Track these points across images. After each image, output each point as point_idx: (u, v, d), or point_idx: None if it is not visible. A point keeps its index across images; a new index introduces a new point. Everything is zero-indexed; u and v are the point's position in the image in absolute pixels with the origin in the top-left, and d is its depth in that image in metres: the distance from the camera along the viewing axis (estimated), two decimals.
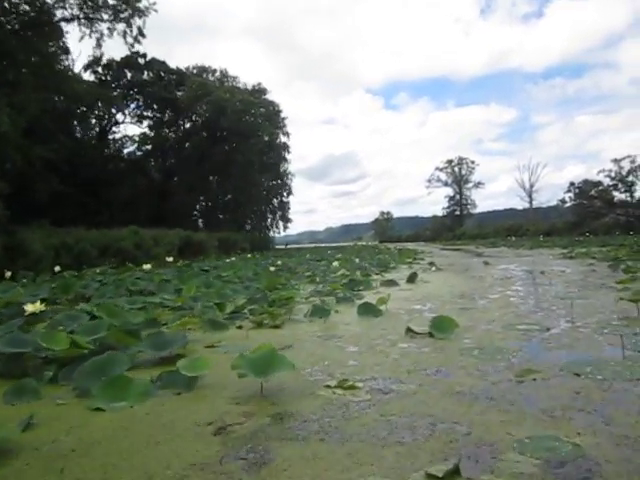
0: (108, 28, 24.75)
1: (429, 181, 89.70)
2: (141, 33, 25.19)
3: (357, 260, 14.38)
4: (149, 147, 40.94)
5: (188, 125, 41.29)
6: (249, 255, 23.80)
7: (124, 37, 24.85)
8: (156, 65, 36.34)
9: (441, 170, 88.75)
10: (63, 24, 23.93)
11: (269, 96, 44.57)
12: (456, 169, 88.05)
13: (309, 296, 7.17)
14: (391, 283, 9.05)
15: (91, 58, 31.16)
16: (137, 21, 24.92)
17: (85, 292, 7.34)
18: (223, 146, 38.25)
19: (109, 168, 37.82)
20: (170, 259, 11.59)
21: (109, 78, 35.35)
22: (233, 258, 17.86)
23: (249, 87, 44.00)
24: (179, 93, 38.14)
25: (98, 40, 24.80)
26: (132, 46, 25.53)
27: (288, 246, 79.42)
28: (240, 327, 5.17)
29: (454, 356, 3.54)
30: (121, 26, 24.70)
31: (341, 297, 6.90)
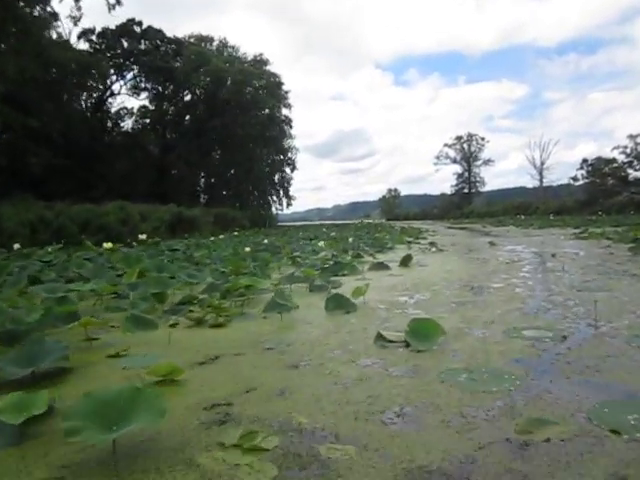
0: None
1: (437, 158, 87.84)
2: None
3: (351, 240, 13.28)
4: (147, 120, 39.67)
5: (188, 97, 39.87)
6: (244, 232, 22.74)
7: None
8: (152, 34, 34.80)
9: (450, 147, 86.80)
10: None
11: (271, 68, 43.04)
12: (465, 146, 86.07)
13: (278, 283, 6.10)
14: (381, 267, 7.97)
15: (73, 21, 29.59)
16: None
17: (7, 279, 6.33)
18: (222, 119, 36.88)
19: (106, 141, 36.74)
20: (143, 236, 10.58)
21: (104, 47, 33.92)
22: (222, 236, 16.85)
23: (250, 57, 42.41)
24: (177, 64, 36.64)
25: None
26: (113, 7, 24.14)
27: (293, 223, 78.51)
28: (174, 325, 4.13)
29: (430, 385, 2.47)
30: None
31: (316, 285, 5.84)
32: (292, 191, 49.20)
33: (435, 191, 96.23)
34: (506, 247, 12.17)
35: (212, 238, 15.08)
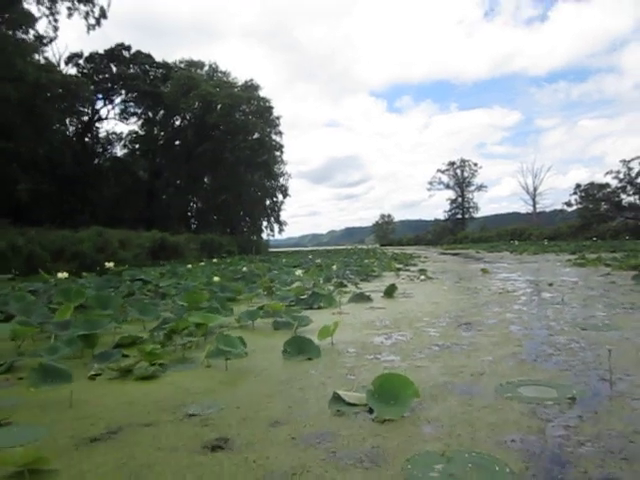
0: (68, 8, 23.14)
1: (431, 183, 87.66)
2: (104, 15, 23.55)
3: (335, 267, 12.55)
4: (137, 145, 39.17)
5: (177, 122, 39.41)
6: (229, 259, 21.95)
7: (86, 18, 23.17)
8: (141, 58, 34.51)
9: (443, 172, 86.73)
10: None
11: (262, 93, 42.77)
12: (458, 171, 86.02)
13: (239, 318, 5.35)
14: (362, 298, 7.23)
15: (47, 40, 29.10)
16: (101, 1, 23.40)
17: None
18: (212, 144, 36.37)
19: (94, 166, 36.13)
20: (111, 264, 9.83)
21: (92, 71, 33.54)
22: (202, 263, 16.07)
23: (240, 82, 42.10)
24: (166, 89, 36.22)
25: (52, 20, 23.13)
26: (93, 27, 23.82)
27: (286, 249, 77.73)
28: (94, 377, 3.37)
29: None
30: (83, 7, 23.11)
31: (282, 322, 5.09)
32: (286, 217, 48.71)
33: (429, 217, 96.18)
34: (499, 275, 11.48)
35: (189, 266, 14.33)
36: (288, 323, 4.94)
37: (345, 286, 9.34)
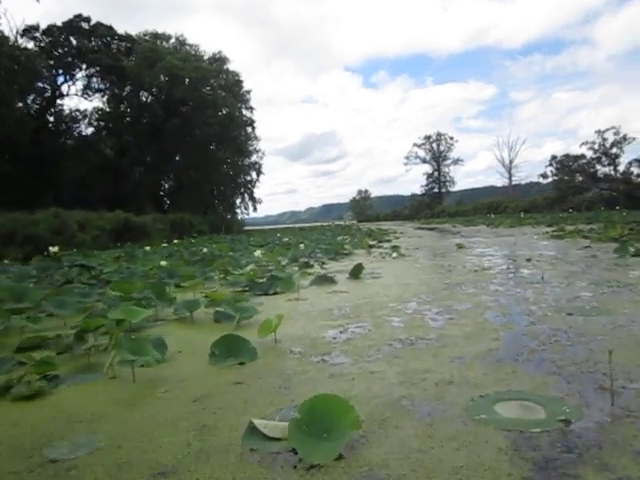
0: None
1: (407, 158, 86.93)
2: None
3: (302, 246, 11.85)
4: (103, 123, 37.53)
5: (144, 98, 37.70)
6: (196, 239, 21.05)
7: None
8: (102, 31, 32.67)
9: (419, 147, 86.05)
10: None
11: (230, 66, 41.14)
12: (434, 145, 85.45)
13: (176, 310, 4.64)
14: (325, 281, 6.57)
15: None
16: None
17: None
18: (180, 119, 34.95)
19: (56, 145, 34.57)
20: (55, 249, 8.99)
21: (49, 45, 31.68)
22: (165, 244, 15.21)
23: (208, 55, 40.41)
24: (129, 62, 34.46)
25: None
26: None
27: (262, 227, 76.97)
28: None
29: None
30: None
31: (223, 314, 4.38)
32: (263, 194, 47.83)
33: (406, 192, 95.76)
34: (475, 250, 10.93)
35: (148, 248, 13.49)
36: (228, 315, 4.25)
37: (311, 266, 8.68)
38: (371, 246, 13.34)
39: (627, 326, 3.32)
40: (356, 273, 7.01)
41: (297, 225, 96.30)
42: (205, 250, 11.16)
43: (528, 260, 7.94)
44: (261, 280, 6.41)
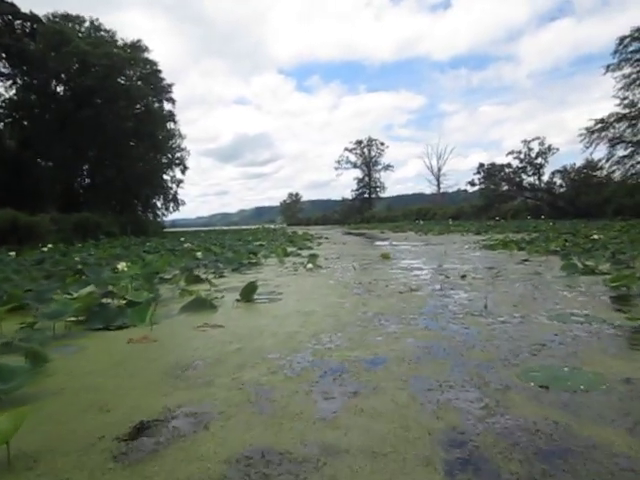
0: None
1: (338, 162, 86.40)
2: None
3: (200, 254, 9.94)
4: (5, 112, 33.68)
5: (50, 85, 34.05)
6: (82, 244, 18.56)
7: None
8: (1, 7, 29.17)
9: (350, 151, 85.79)
10: None
11: (150, 56, 38.13)
12: (365, 150, 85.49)
13: None
14: (202, 306, 4.85)
15: None
16: None
17: None
18: (90, 111, 31.81)
19: None
20: None
21: None
22: (45, 248, 12.82)
23: (125, 42, 37.24)
24: (32, 45, 30.94)
25: None
26: None
27: (185, 229, 73.73)
28: None
29: None
30: None
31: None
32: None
33: (338, 197, 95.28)
34: (402, 262, 9.56)
35: (6, 254, 11.14)
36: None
37: (202, 281, 6.95)
38: (287, 254, 11.73)
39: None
40: (248, 294, 5.35)
41: (225, 227, 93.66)
42: (77, 259, 9.06)
43: (463, 277, 6.60)
44: (109, 303, 4.60)
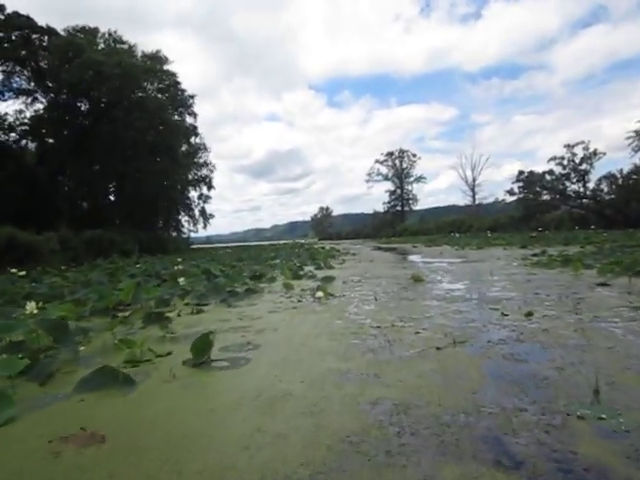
0: None
1: (369, 175, 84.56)
2: None
3: (182, 280, 8.06)
4: (23, 128, 33.11)
5: (66, 98, 33.20)
6: (75, 267, 17.09)
7: None
8: (19, 22, 28.56)
9: (381, 163, 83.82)
10: None
11: (171, 67, 37.08)
12: (397, 162, 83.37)
13: None
14: (115, 381, 3.00)
15: None
16: None
17: None
18: (108, 124, 30.85)
19: None
20: None
21: None
22: (16, 270, 11.24)
23: (145, 53, 36.33)
24: (47, 58, 30.21)
25: None
26: None
27: (215, 245, 73.03)
28: None
29: None
30: None
31: None
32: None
33: (370, 210, 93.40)
34: (437, 286, 7.54)
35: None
36: None
37: (165, 320, 5.12)
38: (299, 276, 9.84)
39: None
40: (199, 353, 3.48)
41: (256, 243, 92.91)
42: (25, 287, 7.31)
43: (528, 315, 4.56)
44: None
